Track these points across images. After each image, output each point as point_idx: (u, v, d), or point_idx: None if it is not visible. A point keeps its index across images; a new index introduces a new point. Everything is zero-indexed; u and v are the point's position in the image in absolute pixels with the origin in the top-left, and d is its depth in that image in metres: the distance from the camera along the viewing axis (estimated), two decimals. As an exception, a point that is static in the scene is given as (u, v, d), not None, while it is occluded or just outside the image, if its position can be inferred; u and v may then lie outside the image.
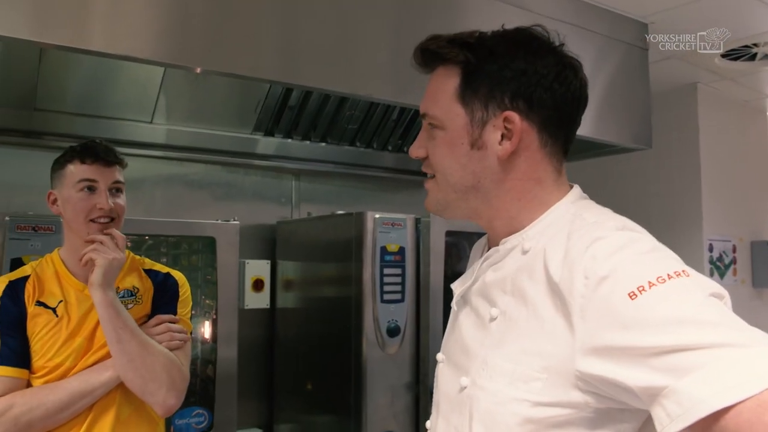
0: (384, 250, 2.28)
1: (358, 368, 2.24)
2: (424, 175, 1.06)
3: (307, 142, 2.81)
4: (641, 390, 0.77)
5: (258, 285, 2.75)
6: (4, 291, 1.55)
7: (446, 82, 1.00)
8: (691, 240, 3.49)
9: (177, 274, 1.75)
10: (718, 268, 3.54)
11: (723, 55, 3.13)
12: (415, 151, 1.05)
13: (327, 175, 3.12)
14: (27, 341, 1.52)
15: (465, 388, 0.97)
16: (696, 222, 3.48)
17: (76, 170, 1.56)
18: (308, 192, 3.08)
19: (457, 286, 1.09)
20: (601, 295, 0.82)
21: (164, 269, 1.75)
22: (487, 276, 1.01)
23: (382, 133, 2.91)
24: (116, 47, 1.65)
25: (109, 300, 1.49)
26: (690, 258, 3.40)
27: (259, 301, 2.77)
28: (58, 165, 1.59)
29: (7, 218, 1.91)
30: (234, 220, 2.35)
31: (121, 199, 1.61)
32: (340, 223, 2.43)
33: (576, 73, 1.00)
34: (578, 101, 1.00)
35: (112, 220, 1.58)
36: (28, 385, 1.50)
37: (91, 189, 1.55)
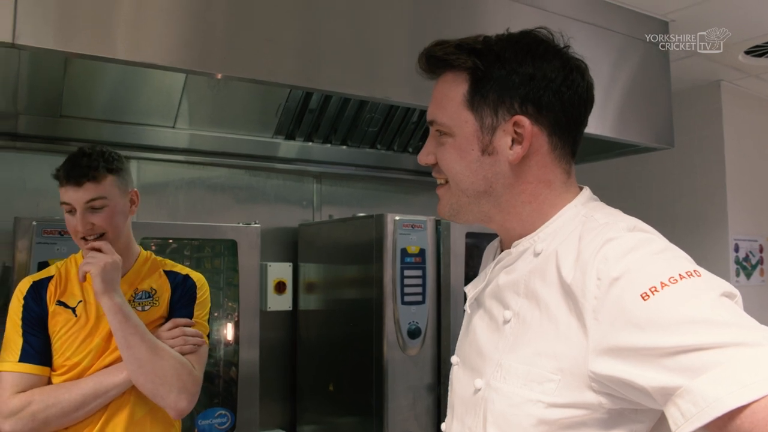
0: (404, 252, 2.29)
1: (380, 370, 2.26)
2: None
3: (328, 145, 2.83)
4: (655, 390, 0.78)
5: (280, 287, 2.78)
6: (28, 291, 1.60)
7: (454, 89, 1.00)
8: (716, 240, 3.44)
9: (196, 276, 1.76)
10: (745, 268, 3.49)
11: (747, 52, 3.09)
12: (424, 158, 1.05)
13: (348, 177, 3.14)
14: (48, 340, 1.57)
15: (479, 390, 0.97)
16: (721, 222, 3.44)
17: (60, 191, 1.58)
18: (329, 195, 3.10)
19: (470, 289, 1.10)
20: (613, 297, 0.82)
21: (184, 270, 1.76)
22: (499, 279, 1.02)
23: (402, 136, 2.92)
24: (139, 55, 1.68)
25: (117, 306, 1.51)
26: (715, 258, 3.36)
27: (281, 303, 2.79)
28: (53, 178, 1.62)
29: (34, 223, 1.95)
30: (255, 224, 2.38)
31: (102, 214, 1.56)
32: (361, 226, 2.44)
33: (583, 75, 1.00)
34: (585, 103, 1.01)
35: (102, 234, 1.58)
36: (49, 382, 1.55)
37: (71, 211, 1.57)
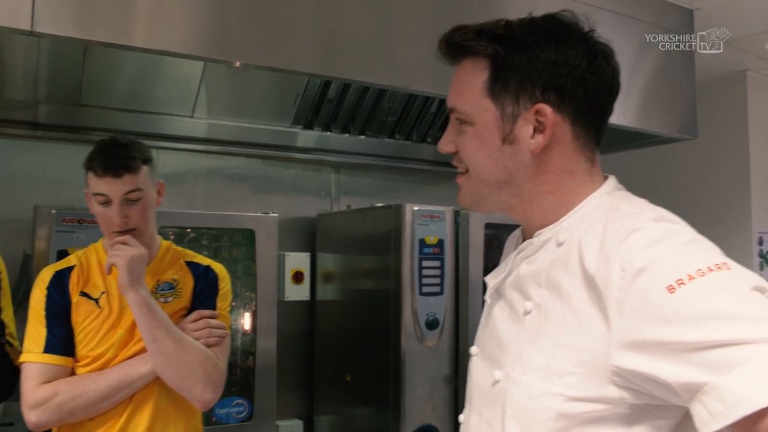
0: (423, 243, 2.28)
1: (397, 361, 2.25)
2: None
3: (347, 134, 2.81)
4: (680, 386, 0.75)
5: (298, 277, 2.77)
6: (50, 281, 1.59)
7: (474, 76, 0.97)
8: (740, 233, 3.39)
9: (218, 267, 1.75)
10: (769, 261, 3.44)
11: (774, 41, 3.02)
12: (444, 146, 1.03)
13: (366, 167, 3.12)
14: (72, 330, 1.56)
15: (498, 381, 0.96)
16: (745, 214, 3.38)
17: (92, 182, 1.54)
18: (348, 185, 3.09)
19: (490, 279, 1.08)
20: (638, 288, 0.80)
21: (205, 261, 1.75)
22: (521, 269, 1.00)
23: (421, 126, 2.89)
24: (157, 43, 1.68)
25: (142, 299, 1.50)
26: (739, 252, 3.31)
27: (299, 293, 2.78)
28: (84, 168, 1.58)
29: (53, 211, 1.96)
30: (273, 213, 2.37)
31: (137, 206, 1.55)
32: (379, 216, 2.43)
33: (608, 60, 0.97)
34: (611, 90, 0.98)
35: (133, 230, 1.57)
36: (73, 372, 1.55)
37: (105, 203, 1.54)
